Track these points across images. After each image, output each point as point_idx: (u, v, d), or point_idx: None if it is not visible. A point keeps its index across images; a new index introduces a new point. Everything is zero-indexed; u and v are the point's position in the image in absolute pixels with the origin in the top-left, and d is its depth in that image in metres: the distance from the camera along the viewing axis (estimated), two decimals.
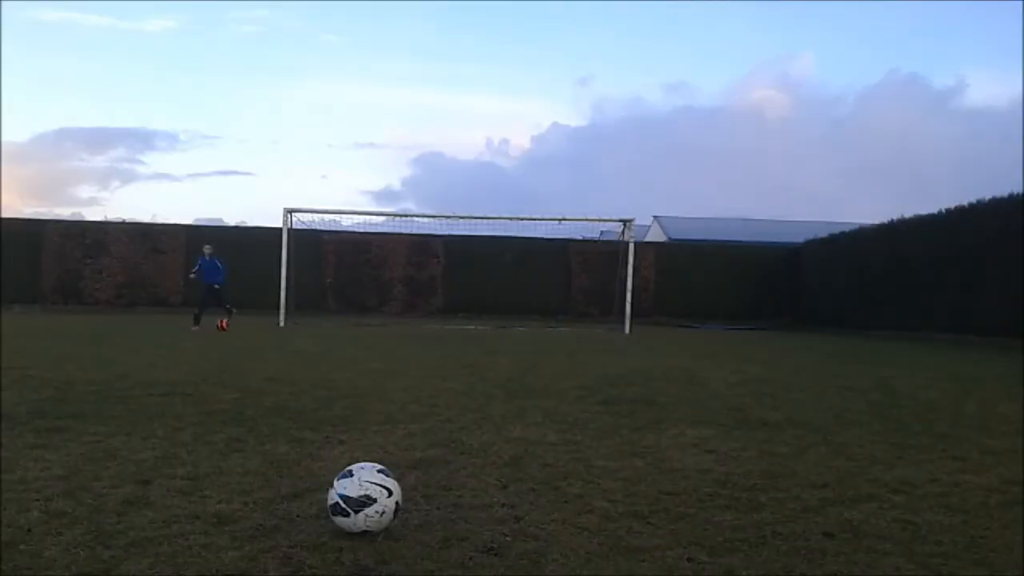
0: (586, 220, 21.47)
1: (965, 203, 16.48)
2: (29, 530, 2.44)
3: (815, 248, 23.90)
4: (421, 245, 24.35)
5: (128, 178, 74.65)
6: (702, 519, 2.72)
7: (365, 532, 2.44)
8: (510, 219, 20.85)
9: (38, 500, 2.76)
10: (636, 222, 20.25)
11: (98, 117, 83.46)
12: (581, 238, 25.16)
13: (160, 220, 34.11)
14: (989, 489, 3.20)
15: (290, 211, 18.39)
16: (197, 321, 13.89)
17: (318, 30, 77.60)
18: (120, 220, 25.29)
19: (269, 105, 79.62)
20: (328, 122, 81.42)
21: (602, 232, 27.01)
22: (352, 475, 2.51)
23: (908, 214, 18.81)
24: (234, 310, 14.71)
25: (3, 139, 64.66)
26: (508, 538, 2.48)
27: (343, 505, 2.45)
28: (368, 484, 2.47)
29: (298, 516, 2.65)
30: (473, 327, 18.23)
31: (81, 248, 23.35)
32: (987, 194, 15.75)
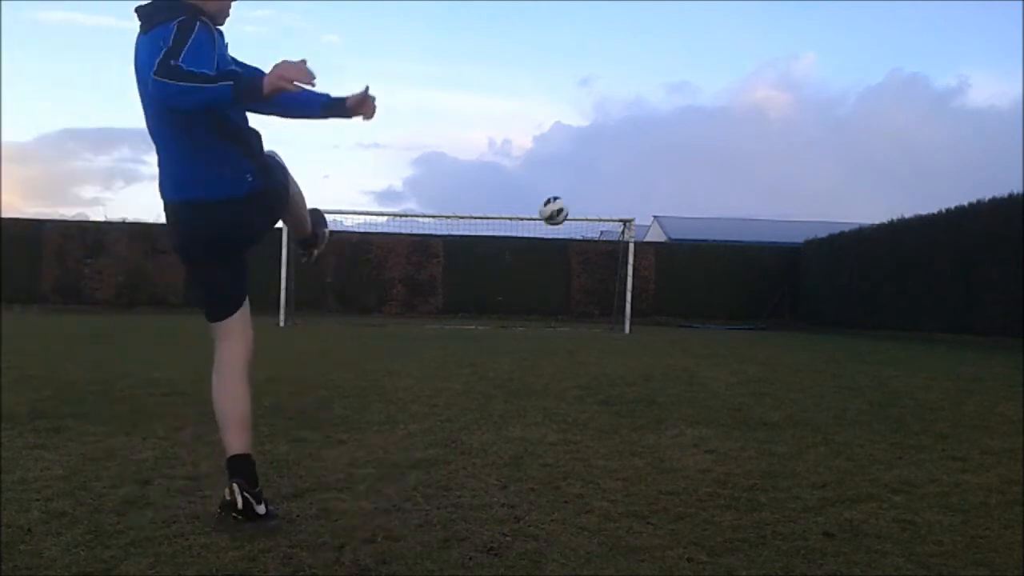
0: (586, 220, 21.45)
1: (965, 203, 16.49)
2: (29, 530, 2.44)
3: (815, 248, 23.89)
4: (421, 245, 24.35)
5: (132, 178, 74.82)
6: (702, 519, 2.72)
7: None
8: (510, 219, 20.85)
9: (38, 500, 2.76)
10: (636, 222, 20.25)
11: (102, 117, 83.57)
12: (581, 238, 25.16)
13: (163, 220, 34.04)
14: (989, 489, 3.20)
15: None
16: None
17: (319, 30, 77.71)
18: (121, 220, 25.31)
19: None
20: (330, 122, 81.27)
21: (602, 232, 27.02)
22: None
23: (909, 214, 18.82)
24: None
25: (7, 140, 64.76)
26: (508, 538, 2.48)
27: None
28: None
29: (298, 516, 2.65)
30: (473, 327, 18.23)
31: (81, 248, 23.36)
32: (988, 194, 15.75)
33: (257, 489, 2.58)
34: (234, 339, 2.75)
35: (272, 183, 2.72)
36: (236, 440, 2.63)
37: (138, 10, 2.57)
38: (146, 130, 2.65)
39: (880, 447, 4.07)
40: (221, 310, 2.74)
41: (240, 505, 2.49)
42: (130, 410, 4.74)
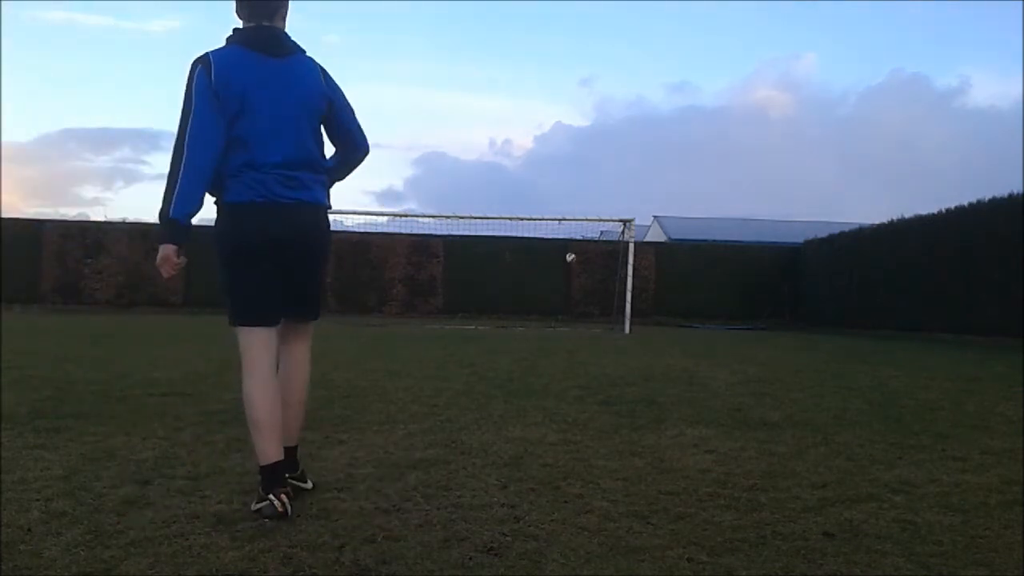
0: (586, 220, 21.45)
1: (965, 203, 16.50)
2: (29, 530, 2.44)
3: (815, 248, 23.91)
4: (421, 245, 24.36)
5: (132, 178, 74.88)
6: (702, 519, 2.72)
7: None
8: (510, 219, 20.87)
9: (38, 500, 2.76)
10: (636, 222, 20.25)
11: (102, 117, 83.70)
12: (581, 238, 25.17)
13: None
14: (989, 489, 3.20)
15: None
16: None
17: (320, 30, 77.76)
18: (121, 220, 25.33)
19: None
20: None
21: (602, 232, 27.04)
22: None
23: (909, 214, 18.83)
24: None
25: (8, 140, 64.85)
26: (508, 538, 2.48)
27: None
28: None
29: (298, 516, 2.65)
30: (473, 327, 18.23)
31: (81, 248, 23.37)
32: (988, 194, 15.76)
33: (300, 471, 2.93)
34: (309, 338, 3.06)
35: None
36: (296, 433, 2.92)
37: (266, 34, 2.74)
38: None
39: (880, 447, 4.07)
40: (318, 309, 3.06)
41: (289, 512, 2.58)
42: (130, 410, 4.74)
